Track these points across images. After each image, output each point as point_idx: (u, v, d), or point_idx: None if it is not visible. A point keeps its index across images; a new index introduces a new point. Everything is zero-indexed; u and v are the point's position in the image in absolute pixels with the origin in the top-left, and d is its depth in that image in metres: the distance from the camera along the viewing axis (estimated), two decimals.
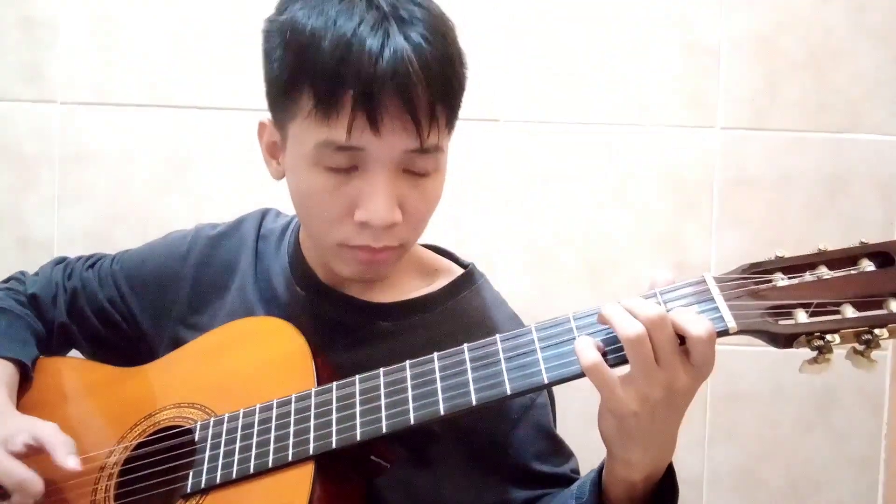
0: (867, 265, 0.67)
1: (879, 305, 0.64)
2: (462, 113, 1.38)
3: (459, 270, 0.95)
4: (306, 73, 0.76)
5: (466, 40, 1.33)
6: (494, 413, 0.85)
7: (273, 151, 0.87)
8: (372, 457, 0.78)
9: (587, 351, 0.65)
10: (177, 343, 0.94)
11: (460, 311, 0.91)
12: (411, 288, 0.93)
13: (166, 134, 1.35)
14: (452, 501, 0.85)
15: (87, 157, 1.36)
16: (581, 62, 1.34)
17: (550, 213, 1.35)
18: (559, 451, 0.89)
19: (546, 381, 0.68)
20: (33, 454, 0.81)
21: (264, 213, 1.04)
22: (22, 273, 1.08)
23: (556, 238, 1.35)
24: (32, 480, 0.78)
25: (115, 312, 1.02)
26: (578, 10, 1.34)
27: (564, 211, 1.35)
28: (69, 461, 0.79)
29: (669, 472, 0.73)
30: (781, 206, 1.34)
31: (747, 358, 1.36)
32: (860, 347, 0.65)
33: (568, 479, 0.84)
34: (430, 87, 0.76)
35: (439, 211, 1.33)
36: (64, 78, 1.35)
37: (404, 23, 0.76)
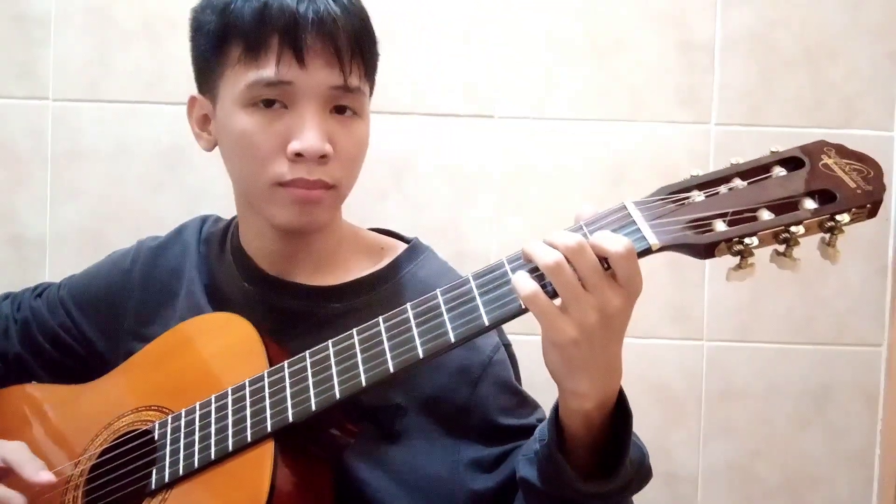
0: (779, 172, 0.69)
1: (794, 206, 0.67)
2: (456, 109, 1.39)
3: (404, 246, 0.97)
4: (232, 26, 0.84)
5: (461, 37, 1.34)
6: (455, 376, 0.87)
7: (203, 124, 0.93)
8: (331, 430, 0.79)
9: (525, 282, 0.67)
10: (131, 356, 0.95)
11: (408, 283, 0.92)
12: (358, 269, 0.94)
13: (159, 131, 1.34)
14: (428, 470, 0.86)
15: (79, 155, 1.35)
16: (576, 58, 1.34)
17: (545, 209, 1.35)
18: (524, 403, 0.90)
19: (487, 324, 0.70)
20: (3, 475, 0.82)
21: (204, 219, 1.06)
22: None
23: (550, 233, 1.35)
24: (15, 498, 0.80)
25: (69, 337, 1.03)
26: (573, 7, 1.34)
27: (559, 207, 1.34)
28: (41, 476, 0.81)
29: (621, 397, 0.74)
30: None
31: (742, 355, 1.36)
32: (781, 248, 0.67)
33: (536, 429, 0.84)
34: (349, 31, 0.84)
35: (434, 206, 1.34)
36: (56, 75, 1.34)
37: None
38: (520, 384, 0.92)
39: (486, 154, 1.35)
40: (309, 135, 0.82)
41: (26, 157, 1.35)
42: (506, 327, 0.79)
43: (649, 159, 1.34)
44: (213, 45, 0.86)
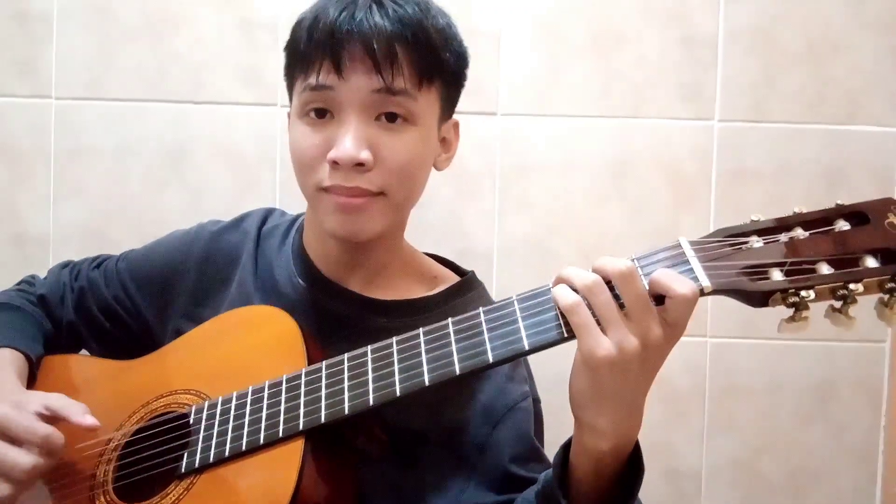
0: (842, 225, 0.68)
1: (855, 263, 0.65)
2: (459, 106, 1.39)
3: (457, 279, 0.98)
4: (294, 44, 0.88)
5: (463, 34, 1.33)
6: (479, 413, 0.87)
7: None
8: (361, 437, 0.80)
9: (565, 293, 0.67)
10: (179, 336, 0.96)
11: (454, 314, 0.91)
12: (410, 292, 0.95)
13: (162, 129, 1.35)
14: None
15: (82, 153, 1.35)
16: (579, 54, 1.34)
17: (548, 205, 1.35)
18: (538, 458, 0.89)
19: (527, 348, 0.69)
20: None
21: (268, 212, 1.07)
22: (32, 276, 1.11)
23: (553, 231, 1.35)
24: (55, 434, 0.81)
25: (122, 309, 1.04)
26: (576, 3, 1.33)
27: (562, 203, 1.35)
28: (87, 419, 0.82)
29: (636, 450, 0.73)
30: (780, 198, 1.33)
31: (746, 351, 1.36)
32: (837, 304, 0.66)
33: None
34: (388, 35, 0.84)
35: (438, 204, 1.34)
36: (59, 73, 1.34)
37: (377, 3, 0.86)
38: (542, 445, 0.91)
39: (488, 151, 1.35)
40: (345, 143, 0.83)
41: (29, 155, 1.35)
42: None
43: (652, 156, 1.34)
44: (287, 62, 0.91)
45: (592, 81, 1.34)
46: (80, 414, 0.83)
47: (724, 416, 1.36)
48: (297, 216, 1.04)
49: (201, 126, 1.35)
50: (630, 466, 0.73)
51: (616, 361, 0.65)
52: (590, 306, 0.67)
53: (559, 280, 0.69)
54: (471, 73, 1.36)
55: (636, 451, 0.73)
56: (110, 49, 1.34)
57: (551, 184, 1.35)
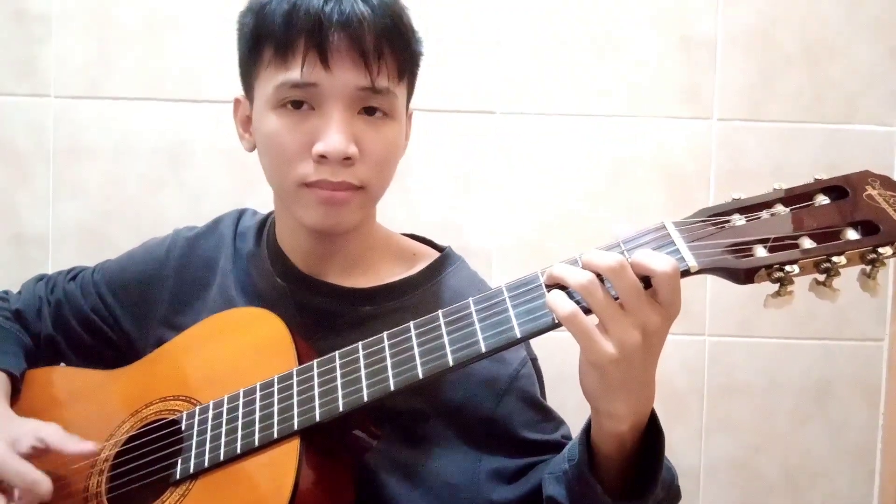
0: (822, 200, 0.69)
1: (836, 236, 0.66)
2: (458, 105, 1.39)
3: (437, 254, 0.97)
4: (265, 28, 0.84)
5: (462, 32, 1.34)
6: (481, 387, 0.87)
7: (246, 125, 0.93)
8: (356, 431, 0.79)
9: (562, 302, 0.67)
10: (161, 344, 0.95)
11: (439, 291, 0.92)
12: (391, 274, 0.94)
13: (161, 128, 1.35)
14: (448, 477, 0.86)
15: (81, 152, 1.35)
16: (577, 54, 1.34)
17: (546, 204, 1.35)
18: (548, 418, 0.90)
19: (519, 336, 0.70)
20: (39, 455, 0.84)
21: (241, 212, 1.06)
22: (5, 292, 1.10)
23: (551, 229, 1.35)
24: (43, 481, 0.81)
25: (100, 321, 1.03)
26: (575, 3, 1.34)
27: (560, 202, 1.35)
28: (84, 446, 0.83)
29: (653, 418, 0.74)
30: None
31: (744, 350, 1.36)
32: (821, 277, 0.67)
33: (560, 446, 0.84)
34: (376, 30, 0.83)
35: (436, 202, 1.35)
36: (58, 72, 1.34)
37: None
38: (545, 399, 0.92)
39: (487, 150, 1.35)
40: (333, 137, 0.82)
41: (28, 154, 1.35)
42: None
43: (651, 155, 1.34)
44: (249, 47, 0.87)
45: (592, 81, 1.34)
46: (74, 445, 0.83)
47: (722, 415, 1.37)
48: (268, 214, 1.03)
49: (200, 125, 1.35)
50: (650, 433, 0.74)
51: (620, 359, 0.66)
52: (584, 302, 0.67)
53: (551, 279, 0.69)
54: (470, 72, 1.36)
55: (653, 417, 0.74)
56: (109, 48, 1.34)
57: (549, 183, 1.35)
